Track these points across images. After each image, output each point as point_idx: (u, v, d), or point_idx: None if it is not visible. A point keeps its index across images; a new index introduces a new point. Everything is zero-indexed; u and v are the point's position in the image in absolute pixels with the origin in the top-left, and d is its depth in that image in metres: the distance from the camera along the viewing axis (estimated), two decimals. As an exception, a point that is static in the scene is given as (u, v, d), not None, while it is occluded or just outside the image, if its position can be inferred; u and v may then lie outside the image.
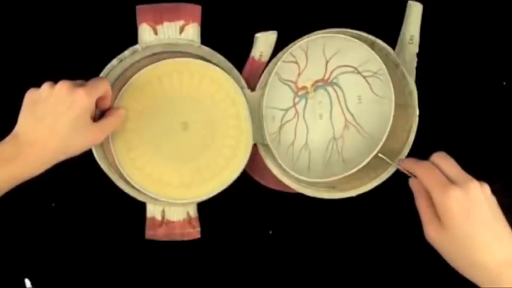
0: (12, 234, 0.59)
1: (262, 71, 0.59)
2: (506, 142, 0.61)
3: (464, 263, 0.43)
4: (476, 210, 0.42)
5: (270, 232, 0.61)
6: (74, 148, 0.50)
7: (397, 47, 0.60)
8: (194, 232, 0.59)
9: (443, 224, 0.42)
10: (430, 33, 0.60)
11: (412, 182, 0.46)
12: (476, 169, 0.61)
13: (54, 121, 0.47)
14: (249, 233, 0.61)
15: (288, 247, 0.61)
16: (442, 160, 0.45)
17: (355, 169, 0.54)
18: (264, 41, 0.59)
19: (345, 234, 0.61)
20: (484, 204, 0.42)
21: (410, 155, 0.57)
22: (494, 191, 0.45)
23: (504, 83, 0.62)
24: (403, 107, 0.57)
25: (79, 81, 0.50)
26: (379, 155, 0.54)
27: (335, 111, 0.59)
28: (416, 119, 0.57)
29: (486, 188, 0.43)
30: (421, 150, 0.57)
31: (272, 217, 0.61)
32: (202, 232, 0.60)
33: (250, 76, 0.60)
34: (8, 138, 0.49)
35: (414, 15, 0.59)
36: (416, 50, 0.59)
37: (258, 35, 0.59)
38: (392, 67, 0.57)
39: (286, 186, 0.58)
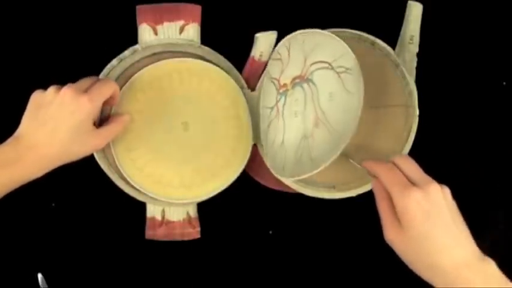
0: (12, 234, 0.59)
1: (262, 71, 0.59)
2: (506, 142, 0.61)
3: (422, 264, 0.42)
4: (436, 212, 0.42)
5: (270, 232, 0.61)
6: (75, 154, 0.50)
7: (397, 47, 0.60)
8: (194, 232, 0.59)
9: (402, 226, 0.42)
10: (430, 33, 0.60)
11: (373, 183, 0.46)
12: (476, 169, 0.61)
13: (55, 126, 0.47)
14: (249, 233, 0.61)
15: (288, 247, 0.61)
16: (404, 162, 0.45)
17: (322, 167, 0.51)
18: (264, 41, 0.59)
19: (345, 234, 0.61)
20: (444, 207, 0.42)
21: (411, 155, 0.57)
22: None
23: (504, 83, 0.62)
24: (403, 107, 0.57)
25: (88, 80, 0.50)
26: (351, 160, 0.54)
27: (308, 108, 0.56)
28: (416, 119, 0.57)
29: (446, 191, 0.43)
30: (421, 150, 0.57)
31: (272, 217, 0.61)
32: (202, 232, 0.60)
33: (250, 76, 0.60)
34: (9, 141, 0.49)
35: (414, 15, 0.59)
36: (416, 50, 0.59)
37: (258, 35, 0.59)
38: (393, 67, 0.57)
39: (286, 186, 0.58)
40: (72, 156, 0.50)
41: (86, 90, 0.49)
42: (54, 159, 0.48)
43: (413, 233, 0.41)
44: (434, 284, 0.42)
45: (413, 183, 0.43)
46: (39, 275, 0.58)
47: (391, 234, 0.43)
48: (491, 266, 0.41)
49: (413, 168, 0.44)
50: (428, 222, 0.41)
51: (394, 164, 0.45)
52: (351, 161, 0.53)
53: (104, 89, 0.50)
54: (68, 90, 0.47)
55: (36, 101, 0.49)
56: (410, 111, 0.57)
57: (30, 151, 0.47)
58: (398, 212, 0.42)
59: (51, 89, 0.48)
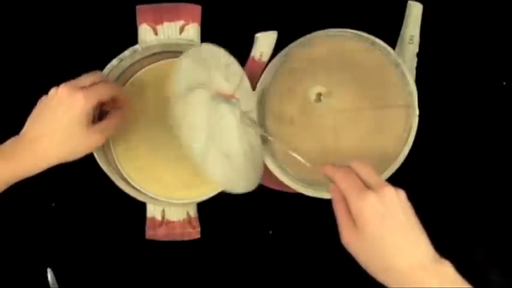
0: (12, 233, 0.59)
1: (262, 71, 0.59)
2: (506, 142, 0.61)
3: (377, 267, 0.43)
4: (390, 215, 0.42)
5: (270, 232, 0.61)
6: (73, 151, 0.49)
7: (397, 47, 0.60)
8: (194, 232, 0.59)
9: (358, 229, 0.42)
10: (430, 33, 0.60)
11: (330, 187, 0.46)
12: (476, 169, 0.61)
13: (51, 122, 0.48)
14: (249, 233, 0.61)
15: (288, 247, 0.61)
16: (360, 166, 0.45)
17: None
18: (264, 41, 0.59)
19: (345, 234, 0.61)
20: (399, 210, 0.42)
21: (411, 155, 0.57)
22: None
23: (504, 83, 0.62)
24: (403, 107, 0.57)
25: (90, 76, 0.50)
26: (307, 164, 0.53)
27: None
28: (416, 119, 0.57)
29: (401, 194, 0.43)
30: (421, 150, 0.57)
31: (272, 217, 0.61)
32: (202, 232, 0.60)
33: (250, 76, 0.60)
34: (12, 139, 0.49)
35: (414, 15, 0.59)
36: (416, 50, 0.59)
37: (258, 35, 0.59)
38: (393, 67, 0.57)
39: (286, 186, 0.58)
40: (70, 153, 0.49)
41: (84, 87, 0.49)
42: (50, 156, 0.48)
43: (368, 236, 0.42)
44: (389, 286, 0.43)
45: (368, 187, 0.43)
46: (49, 271, 0.58)
47: (347, 237, 0.44)
48: (447, 268, 0.42)
49: (368, 172, 0.45)
50: (382, 225, 0.41)
51: (351, 168, 0.45)
52: (306, 163, 0.53)
53: (101, 89, 0.50)
54: (64, 88, 0.48)
55: (40, 102, 0.50)
56: (410, 111, 0.57)
57: (27, 146, 0.48)
58: (354, 216, 0.43)
59: (53, 89, 0.49)
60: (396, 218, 0.42)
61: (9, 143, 0.49)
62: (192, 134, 0.51)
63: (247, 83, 0.57)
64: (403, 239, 0.42)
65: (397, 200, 0.42)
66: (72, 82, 0.49)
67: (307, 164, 0.52)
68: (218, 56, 0.55)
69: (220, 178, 0.52)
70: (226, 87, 0.55)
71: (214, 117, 0.53)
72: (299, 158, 0.53)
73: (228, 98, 0.55)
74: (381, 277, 0.43)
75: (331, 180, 0.46)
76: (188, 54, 0.51)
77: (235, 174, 0.54)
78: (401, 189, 0.43)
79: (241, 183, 0.54)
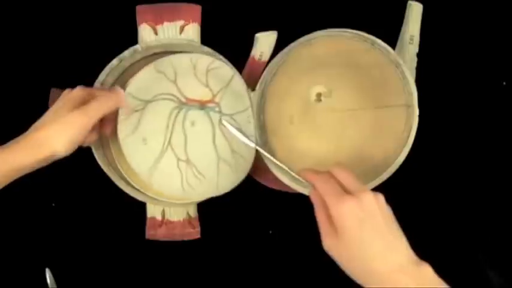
0: (13, 233, 0.59)
1: (262, 71, 0.59)
2: (506, 142, 0.61)
3: (359, 270, 0.43)
4: (369, 219, 0.42)
5: (270, 232, 0.61)
6: (61, 138, 0.47)
7: (397, 47, 0.60)
8: (194, 232, 0.59)
9: (338, 233, 0.43)
10: (430, 33, 0.60)
11: (311, 192, 0.47)
12: (476, 169, 0.61)
13: (47, 113, 0.48)
14: (249, 233, 0.61)
15: (288, 247, 0.61)
16: (339, 171, 0.46)
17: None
18: (264, 41, 0.59)
19: (345, 234, 0.61)
20: (378, 214, 0.43)
21: (411, 155, 0.57)
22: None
23: (504, 83, 0.62)
24: (403, 107, 0.57)
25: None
26: (286, 168, 0.54)
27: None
28: (416, 119, 0.57)
29: (380, 198, 0.44)
30: (421, 150, 0.57)
31: (272, 217, 0.61)
32: (202, 232, 0.60)
33: (250, 76, 0.60)
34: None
35: (414, 15, 0.59)
36: (416, 50, 0.59)
37: (258, 35, 0.59)
38: (393, 67, 0.57)
39: (286, 186, 0.58)
40: (56, 134, 0.47)
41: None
42: (44, 144, 0.47)
43: (347, 240, 0.42)
44: None
45: (348, 192, 0.44)
46: (47, 271, 0.58)
47: (328, 242, 0.44)
48: (426, 270, 0.42)
49: (347, 177, 0.45)
50: (361, 229, 0.42)
51: (330, 173, 0.46)
52: (291, 172, 0.53)
53: (101, 92, 0.50)
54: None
55: None
56: (410, 111, 0.57)
57: (25, 136, 0.47)
58: (334, 221, 0.43)
59: None
60: (375, 222, 0.42)
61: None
62: (140, 147, 0.53)
63: (238, 85, 0.57)
64: (382, 242, 0.42)
65: (375, 204, 0.43)
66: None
67: (291, 173, 0.53)
68: (194, 62, 0.56)
69: (168, 189, 0.55)
70: (202, 93, 0.56)
71: (183, 124, 0.56)
72: (282, 165, 0.54)
73: (203, 104, 0.56)
74: (361, 280, 0.43)
75: (311, 186, 0.46)
76: (142, 71, 0.53)
77: (197, 181, 0.56)
78: (380, 194, 0.44)
79: (205, 188, 0.56)
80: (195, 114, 0.56)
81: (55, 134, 0.47)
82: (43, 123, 0.48)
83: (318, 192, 0.45)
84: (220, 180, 0.57)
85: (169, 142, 0.55)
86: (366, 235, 0.42)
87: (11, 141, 0.47)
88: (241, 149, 0.58)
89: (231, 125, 0.57)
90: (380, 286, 0.42)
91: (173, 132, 0.55)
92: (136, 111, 0.54)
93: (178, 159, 0.56)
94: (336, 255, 0.44)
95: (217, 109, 0.57)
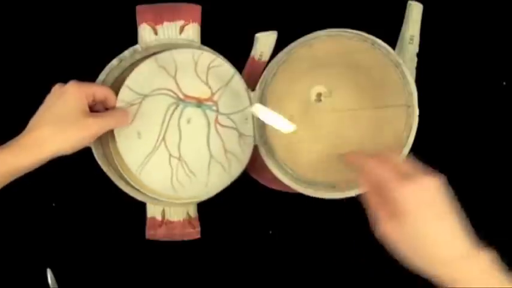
0: (12, 233, 0.59)
1: (262, 71, 0.59)
2: (506, 142, 0.61)
3: (419, 257, 0.42)
4: (431, 204, 0.41)
5: (270, 232, 0.61)
6: (68, 139, 0.48)
7: (397, 47, 0.60)
8: (194, 232, 0.59)
9: (398, 220, 0.41)
10: (430, 33, 0.60)
11: (360, 178, 0.45)
12: (476, 169, 0.61)
13: (47, 110, 0.48)
14: (249, 233, 0.61)
15: (288, 247, 0.61)
16: (394, 155, 0.44)
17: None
18: (264, 41, 0.59)
19: (345, 234, 0.61)
20: (441, 197, 0.41)
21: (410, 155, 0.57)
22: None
23: (504, 83, 0.62)
24: (403, 106, 0.57)
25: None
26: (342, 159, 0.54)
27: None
28: (416, 119, 0.57)
29: (441, 181, 0.42)
30: (421, 150, 0.57)
31: (272, 217, 0.61)
32: (202, 232, 0.60)
33: (250, 76, 0.60)
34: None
35: (414, 15, 0.59)
36: (416, 50, 0.59)
37: (258, 35, 0.59)
38: (393, 67, 0.57)
39: (286, 186, 0.58)
40: (66, 142, 0.48)
41: None
42: (46, 143, 0.47)
43: (409, 225, 0.41)
44: (430, 277, 0.42)
45: (406, 175, 0.42)
46: (49, 271, 0.58)
47: (385, 228, 0.42)
48: (487, 256, 0.41)
49: (404, 161, 0.44)
50: (425, 214, 0.41)
51: (383, 157, 0.45)
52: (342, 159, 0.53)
53: (92, 84, 0.51)
54: (58, 83, 0.50)
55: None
56: (410, 111, 0.57)
57: (24, 135, 0.48)
58: (393, 205, 0.42)
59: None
60: (437, 207, 0.41)
61: (13, 140, 0.48)
62: (134, 141, 0.54)
63: (238, 84, 0.57)
64: (444, 228, 0.41)
65: (437, 187, 0.42)
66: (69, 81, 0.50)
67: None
68: (196, 59, 0.56)
69: (157, 185, 0.55)
70: (201, 91, 0.56)
71: (178, 121, 0.56)
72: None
73: (201, 101, 0.56)
74: (421, 266, 0.42)
75: (359, 170, 0.45)
76: (143, 65, 0.54)
77: (187, 179, 0.56)
78: (442, 175, 0.42)
79: (195, 186, 0.56)
80: (191, 111, 0.56)
81: (65, 136, 0.48)
82: (46, 122, 0.47)
83: (369, 178, 0.44)
84: (211, 180, 0.57)
85: (163, 138, 0.55)
86: (429, 220, 0.41)
87: (11, 141, 0.47)
88: (235, 150, 0.58)
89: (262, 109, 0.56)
90: (441, 272, 0.41)
91: (168, 128, 0.56)
92: (134, 104, 0.54)
93: (171, 156, 0.56)
94: (393, 241, 0.42)
95: (214, 108, 0.57)
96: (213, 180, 0.57)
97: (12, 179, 0.47)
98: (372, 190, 0.44)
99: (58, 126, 0.47)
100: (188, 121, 0.56)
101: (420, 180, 0.41)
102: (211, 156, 0.57)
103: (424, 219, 0.41)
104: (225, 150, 0.57)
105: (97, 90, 0.50)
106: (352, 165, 0.46)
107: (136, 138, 0.54)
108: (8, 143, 0.47)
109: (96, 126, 0.49)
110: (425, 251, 0.41)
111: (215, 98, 0.57)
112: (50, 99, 0.49)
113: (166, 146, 0.56)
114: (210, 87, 0.57)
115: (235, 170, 0.58)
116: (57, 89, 0.49)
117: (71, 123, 0.48)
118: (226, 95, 0.57)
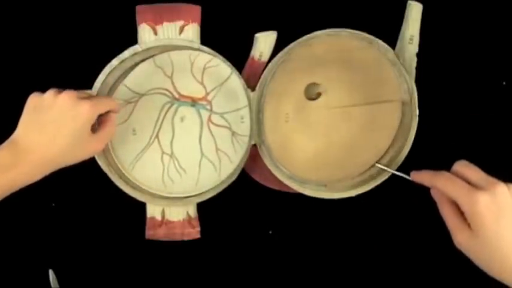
0: (12, 233, 0.59)
1: (262, 71, 0.59)
2: (506, 142, 0.61)
3: (498, 267, 0.42)
4: (506, 212, 0.42)
5: (270, 232, 0.61)
6: (74, 158, 0.50)
7: (397, 47, 0.60)
8: (194, 232, 0.59)
9: (473, 230, 0.42)
10: (430, 33, 0.60)
11: (432, 192, 0.46)
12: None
13: (56, 131, 0.47)
14: (249, 233, 0.61)
15: (288, 247, 0.61)
16: (465, 167, 0.45)
17: None
18: (264, 41, 0.59)
19: (345, 234, 0.61)
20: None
21: (410, 155, 0.57)
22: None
23: (504, 83, 0.62)
24: (399, 102, 0.57)
25: (83, 93, 0.50)
26: (378, 165, 0.57)
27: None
28: (416, 119, 0.57)
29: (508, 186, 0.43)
30: (421, 150, 0.57)
31: (272, 217, 0.61)
32: (202, 232, 0.60)
33: (250, 76, 0.60)
34: (5, 144, 0.48)
35: (414, 15, 0.59)
36: (416, 50, 0.59)
37: (258, 35, 0.59)
38: (391, 66, 0.57)
39: (286, 186, 0.58)
40: (71, 160, 0.50)
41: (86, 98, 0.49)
42: (52, 163, 0.48)
43: (485, 237, 0.41)
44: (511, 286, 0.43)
45: (476, 186, 0.43)
46: (51, 273, 0.58)
47: (461, 239, 0.43)
48: None
49: (476, 172, 0.45)
50: (499, 224, 0.41)
51: (454, 171, 0.45)
52: (378, 165, 0.56)
53: (105, 100, 0.52)
54: (67, 96, 0.47)
55: (34, 103, 0.48)
56: (406, 108, 0.57)
57: (29, 155, 0.47)
58: (468, 218, 0.42)
59: (50, 93, 0.48)
60: (511, 215, 0.41)
61: (6, 152, 0.47)
62: (129, 137, 0.57)
63: (234, 84, 0.58)
64: None
65: (510, 196, 0.42)
66: (69, 92, 0.48)
67: (388, 170, 0.55)
68: (192, 60, 0.57)
69: (148, 180, 0.57)
70: (195, 90, 0.58)
71: (172, 119, 0.57)
72: (378, 165, 0.58)
73: (195, 101, 0.57)
74: (500, 277, 0.42)
75: (430, 186, 0.46)
76: (141, 65, 0.56)
77: (178, 176, 0.58)
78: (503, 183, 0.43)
79: (185, 183, 0.58)
80: (185, 110, 0.58)
81: (72, 156, 0.49)
82: (56, 143, 0.47)
83: (442, 192, 0.44)
84: (201, 178, 0.58)
85: (156, 135, 0.57)
86: (503, 229, 0.41)
87: (18, 156, 0.46)
88: (227, 149, 0.58)
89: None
90: None
91: (162, 126, 0.58)
92: (130, 103, 0.56)
93: (163, 152, 0.58)
94: (471, 252, 0.43)
95: (208, 107, 0.57)
96: (203, 178, 0.58)
97: (8, 194, 0.48)
98: (445, 202, 0.45)
99: (69, 148, 0.48)
100: (182, 119, 0.57)
101: (491, 191, 0.42)
102: (202, 154, 0.58)
103: (497, 230, 0.41)
104: (217, 149, 0.58)
105: (107, 105, 0.51)
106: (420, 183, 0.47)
107: (131, 134, 0.57)
108: (4, 161, 0.46)
109: (99, 146, 0.51)
110: (501, 261, 0.42)
111: (209, 97, 0.58)
112: (57, 117, 0.47)
113: (159, 143, 0.58)
114: (204, 87, 0.58)
115: (226, 170, 0.58)
116: (68, 109, 0.47)
117: (79, 145, 0.49)
118: (221, 95, 0.58)
